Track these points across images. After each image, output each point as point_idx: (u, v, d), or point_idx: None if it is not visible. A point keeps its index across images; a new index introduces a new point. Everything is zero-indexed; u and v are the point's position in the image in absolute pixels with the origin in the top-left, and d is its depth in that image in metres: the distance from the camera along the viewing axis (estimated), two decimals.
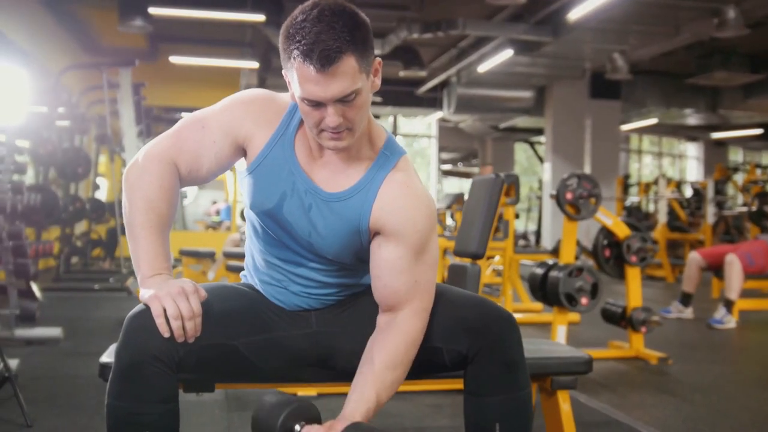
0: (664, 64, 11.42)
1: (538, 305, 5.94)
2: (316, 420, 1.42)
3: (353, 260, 1.59)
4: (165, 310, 1.38)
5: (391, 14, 9.17)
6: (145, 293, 1.42)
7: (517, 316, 5.81)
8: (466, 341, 1.53)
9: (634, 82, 11.77)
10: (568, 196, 4.23)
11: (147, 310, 1.40)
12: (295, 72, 1.37)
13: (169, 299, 1.38)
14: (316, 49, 1.33)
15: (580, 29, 8.85)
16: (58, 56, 9.10)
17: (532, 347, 2.11)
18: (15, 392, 2.73)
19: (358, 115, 1.42)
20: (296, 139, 1.55)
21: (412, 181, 1.55)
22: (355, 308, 1.65)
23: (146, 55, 10.35)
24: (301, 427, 1.38)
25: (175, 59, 10.24)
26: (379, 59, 1.47)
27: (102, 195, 10.66)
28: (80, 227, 9.61)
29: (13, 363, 3.30)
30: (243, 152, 1.57)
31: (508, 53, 9.81)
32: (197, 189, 16.49)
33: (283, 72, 1.46)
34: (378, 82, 1.48)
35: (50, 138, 7.07)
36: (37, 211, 6.19)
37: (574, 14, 7.97)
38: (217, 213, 14.98)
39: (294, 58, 1.36)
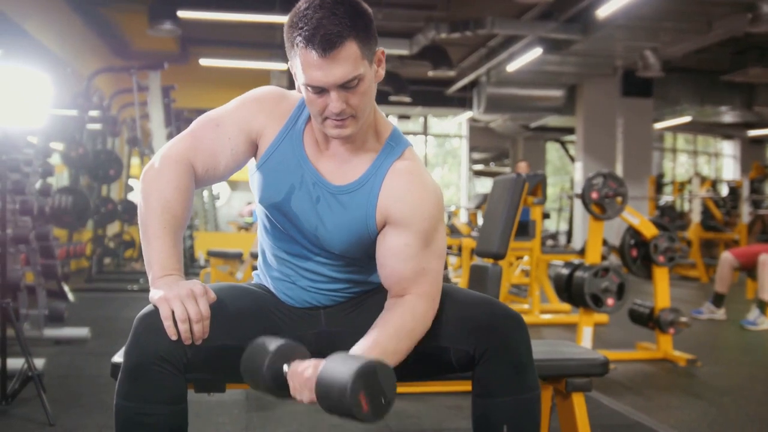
0: (697, 60, 11.23)
1: (567, 306, 5.87)
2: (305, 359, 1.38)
3: (361, 255, 1.58)
4: (173, 312, 1.38)
5: (418, 14, 9.15)
6: (154, 294, 1.42)
7: (545, 317, 5.82)
8: (472, 341, 1.51)
9: (667, 79, 11.59)
10: (594, 195, 4.18)
11: (156, 310, 1.40)
12: (299, 59, 1.39)
13: (178, 301, 1.38)
14: (318, 33, 1.35)
15: (610, 26, 8.74)
16: (90, 61, 9.24)
17: (548, 348, 2.08)
18: (38, 391, 2.78)
19: (362, 102, 1.43)
20: (305, 133, 1.56)
21: (418, 169, 1.54)
22: (364, 308, 1.64)
23: (177, 57, 10.47)
24: (289, 366, 1.34)
25: (204, 62, 10.34)
26: (382, 49, 1.48)
27: (134, 197, 10.80)
28: (113, 228, 9.75)
29: (40, 362, 3.34)
30: (256, 148, 1.59)
31: (537, 52, 9.73)
32: (230, 190, 16.66)
33: (288, 64, 1.48)
34: (382, 72, 1.49)
35: (81, 141, 7.17)
36: (68, 213, 6.30)
37: (603, 11, 7.87)
38: (251, 214, 15.09)
39: (297, 45, 1.39)
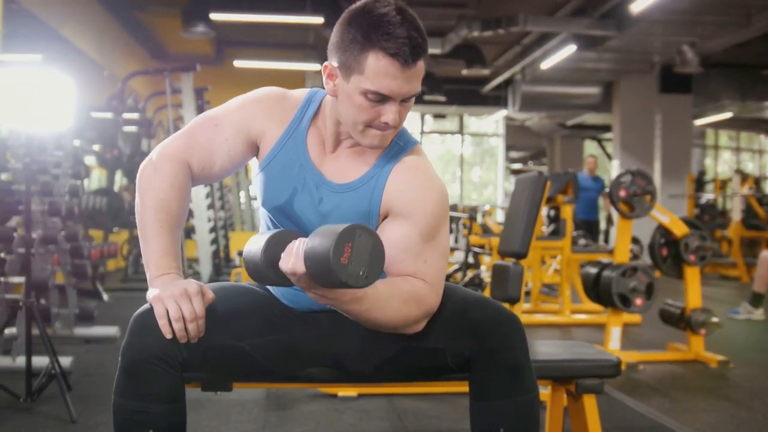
0: (737, 55, 10.96)
1: (599, 306, 5.77)
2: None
3: None
4: (168, 311, 1.39)
5: (449, 12, 9.10)
6: (150, 293, 1.43)
7: (577, 317, 5.73)
8: (468, 342, 1.48)
9: (707, 74, 11.33)
10: (621, 193, 4.11)
11: (151, 309, 1.41)
12: (370, 63, 1.37)
13: (172, 301, 1.39)
14: (408, 44, 1.36)
15: (646, 22, 8.58)
16: (127, 64, 9.39)
17: (560, 349, 2.05)
18: (61, 389, 2.82)
19: (405, 114, 1.46)
20: (308, 134, 1.55)
21: (423, 164, 1.53)
22: None
23: (212, 59, 10.58)
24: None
25: (239, 63, 10.42)
26: None
27: None
28: None
29: (67, 360, 3.41)
30: (256, 149, 1.58)
31: (571, 49, 9.60)
32: None
33: (326, 64, 1.45)
34: None
35: (116, 143, 7.29)
36: (103, 214, 6.42)
37: (637, 6, 7.72)
38: None
39: (377, 49, 1.36)
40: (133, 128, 8.16)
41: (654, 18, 8.46)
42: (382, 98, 1.39)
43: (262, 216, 1.66)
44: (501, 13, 8.87)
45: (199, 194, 7.44)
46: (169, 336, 1.39)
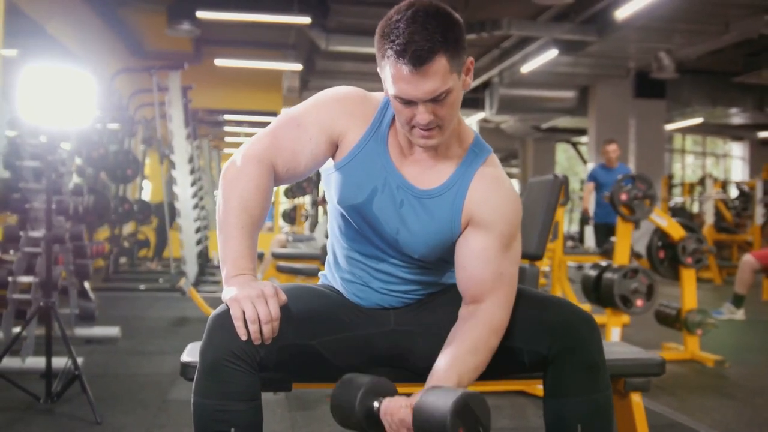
0: (711, 62, 11.22)
1: (587, 307, 5.88)
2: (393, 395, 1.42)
3: (438, 259, 1.60)
4: (244, 313, 1.40)
5: None
6: (226, 293, 1.45)
7: None
8: (546, 342, 1.53)
9: (680, 81, 11.59)
10: (623, 197, 4.19)
11: (229, 310, 1.42)
12: (389, 70, 1.41)
13: (248, 302, 1.40)
14: (409, 48, 1.36)
15: (626, 28, 8.74)
16: (108, 61, 9.27)
17: (604, 349, 2.10)
18: (84, 390, 2.80)
19: (449, 113, 1.45)
20: (389, 136, 1.58)
21: (502, 175, 1.58)
22: (433, 308, 1.66)
23: (191, 58, 10.48)
24: (380, 403, 1.38)
25: (219, 62, 10.36)
26: (471, 58, 1.49)
27: (146, 196, 10.86)
28: (127, 228, 9.79)
29: (79, 361, 3.36)
30: (335, 148, 1.60)
31: (552, 53, 9.73)
32: None
33: (378, 69, 1.49)
34: (470, 81, 1.50)
35: (101, 141, 7.20)
36: (90, 213, 6.33)
37: (622, 13, 7.87)
38: None
39: (387, 57, 1.39)
40: (115, 126, 8.08)
41: (634, 25, 8.62)
42: (407, 101, 1.42)
43: (333, 214, 1.67)
44: (485, 16, 8.95)
45: (185, 193, 7.39)
46: (243, 338, 1.40)
